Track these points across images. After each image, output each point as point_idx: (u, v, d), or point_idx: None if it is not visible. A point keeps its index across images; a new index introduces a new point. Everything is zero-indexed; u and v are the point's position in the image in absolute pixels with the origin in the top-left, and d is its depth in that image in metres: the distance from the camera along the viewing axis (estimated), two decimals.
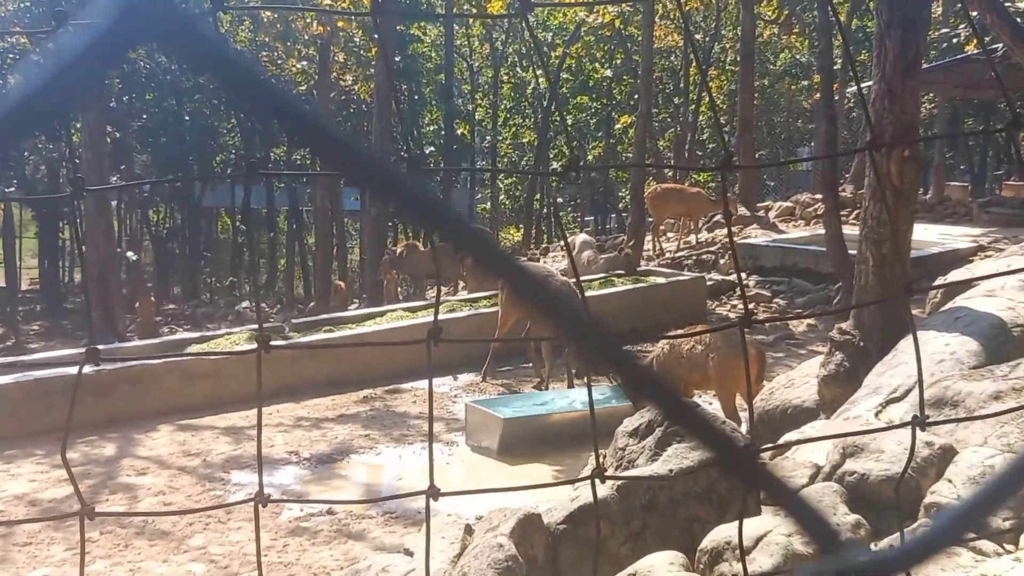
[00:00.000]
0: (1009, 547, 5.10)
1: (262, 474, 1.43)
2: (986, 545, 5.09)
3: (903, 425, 1.55)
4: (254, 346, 1.39)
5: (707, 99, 39.52)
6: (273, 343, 1.37)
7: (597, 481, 1.44)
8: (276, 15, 32.94)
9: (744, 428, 10.64)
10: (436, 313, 1.43)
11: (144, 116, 42.37)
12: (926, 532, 0.69)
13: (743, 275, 22.11)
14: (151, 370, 14.46)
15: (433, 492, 1.40)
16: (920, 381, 1.56)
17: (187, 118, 42.80)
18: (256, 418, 7.49)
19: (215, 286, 45.14)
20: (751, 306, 20.42)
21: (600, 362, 0.69)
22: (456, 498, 10.78)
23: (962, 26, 21.24)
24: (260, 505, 1.37)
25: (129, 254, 31.68)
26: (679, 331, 11.72)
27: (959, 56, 25.79)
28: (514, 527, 5.67)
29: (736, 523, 5.39)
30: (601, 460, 8.29)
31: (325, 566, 9.34)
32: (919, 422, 1.47)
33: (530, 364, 16.12)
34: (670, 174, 36.91)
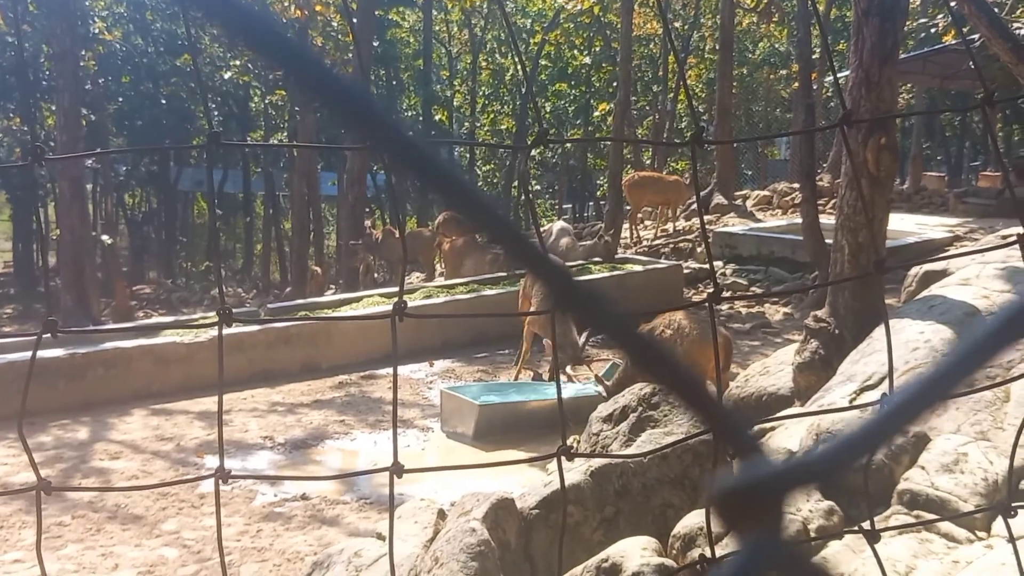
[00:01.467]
0: (981, 534, 5.11)
1: (222, 449, 1.40)
2: (958, 532, 5.10)
3: (873, 403, 1.54)
4: (218, 321, 1.36)
5: (683, 85, 39.57)
6: (236, 321, 1.35)
7: (570, 465, 1.42)
8: None
9: None
10: (401, 290, 1.41)
11: (120, 99, 42.14)
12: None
13: (719, 262, 22.15)
14: (124, 354, 14.39)
15: (397, 469, 1.37)
16: (891, 370, 1.54)
17: (163, 101, 42.57)
18: (230, 403, 7.49)
19: (191, 270, 44.95)
20: (727, 294, 20.46)
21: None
22: (430, 483, 10.78)
23: (940, 16, 21.26)
24: (221, 481, 1.34)
25: (104, 238, 31.49)
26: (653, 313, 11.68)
27: (937, 46, 25.85)
28: (487, 512, 5.66)
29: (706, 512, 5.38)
30: (574, 442, 8.29)
31: (299, 551, 9.31)
32: (884, 401, 1.45)
33: (506, 351, 16.11)
34: (648, 162, 36.92)
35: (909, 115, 23.96)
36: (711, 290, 1.50)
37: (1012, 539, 1.60)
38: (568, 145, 46.59)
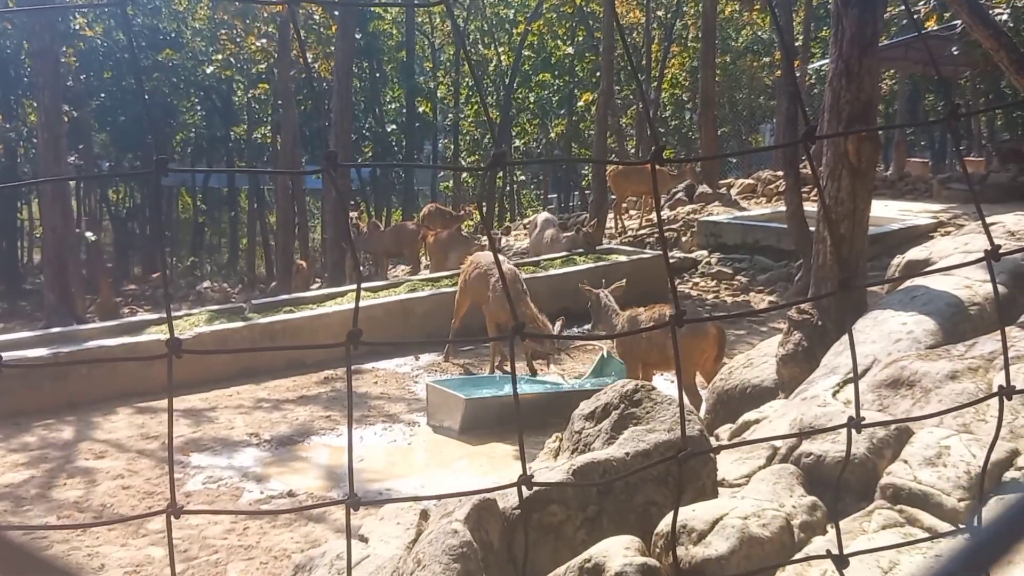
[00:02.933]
0: (963, 526, 5.10)
1: (173, 486, 1.38)
2: (942, 526, 5.09)
3: (839, 427, 1.52)
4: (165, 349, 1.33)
5: (664, 78, 39.56)
6: (186, 347, 1.32)
7: (552, 463, 1.40)
8: None
9: (703, 409, 10.67)
10: (356, 314, 1.38)
11: (102, 95, 41.98)
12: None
13: (704, 251, 22.16)
14: (109, 352, 14.34)
15: (354, 502, 1.35)
16: (856, 378, 1.52)
17: (146, 96, 42.41)
18: (215, 400, 7.47)
19: (175, 266, 44.83)
20: (712, 283, 20.49)
21: None
22: (413, 482, 10.78)
23: (921, 2, 21.27)
24: (173, 516, 1.32)
25: (88, 234, 31.38)
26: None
27: (919, 32, 25.86)
28: (469, 513, 5.64)
29: (692, 507, 5.37)
30: (557, 440, 8.26)
31: (285, 548, 9.30)
32: (854, 424, 1.44)
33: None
34: (632, 151, 36.90)
35: (885, 128, 23.93)
36: (703, 289, 1.48)
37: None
38: (552, 135, 46.59)
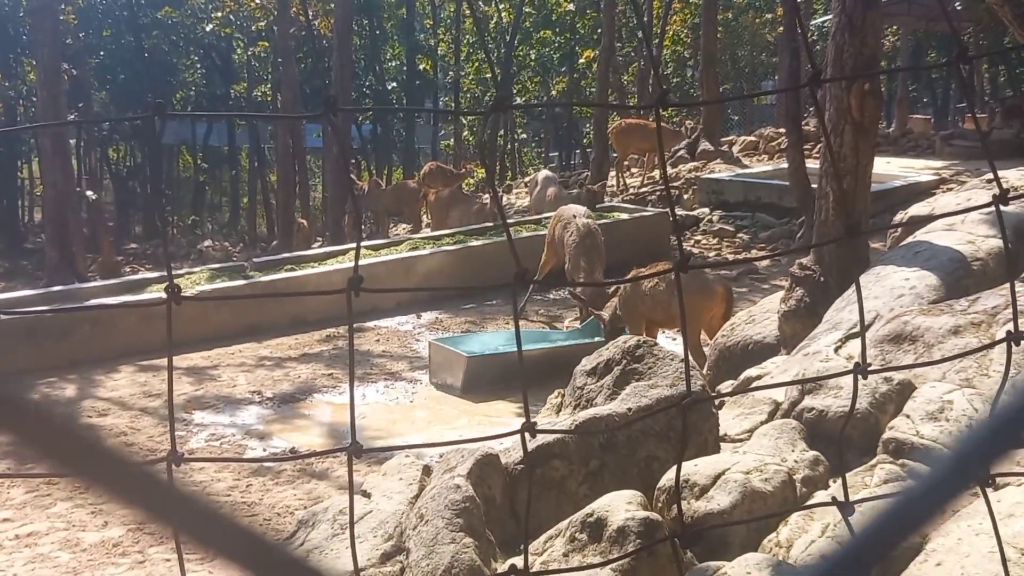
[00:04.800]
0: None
1: (174, 434, 1.37)
2: None
3: (845, 373, 1.51)
4: (164, 295, 1.32)
5: (666, 35, 39.36)
6: (186, 294, 1.30)
7: (555, 419, 1.39)
8: None
9: (705, 366, 10.66)
10: (356, 262, 1.36)
11: (101, 53, 41.79)
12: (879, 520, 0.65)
13: (706, 209, 22.11)
14: (110, 311, 14.34)
15: (356, 449, 1.34)
16: (862, 327, 1.51)
17: (146, 54, 42.24)
18: (218, 359, 7.47)
19: (177, 224, 44.76)
20: (714, 241, 20.45)
21: None
22: (415, 439, 10.80)
23: None
24: (173, 464, 1.31)
25: (89, 193, 31.32)
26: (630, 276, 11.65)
27: None
28: (471, 468, 5.65)
29: (694, 461, 5.38)
30: (559, 396, 8.27)
31: (288, 505, 9.33)
32: (861, 370, 1.43)
33: (494, 302, 16.16)
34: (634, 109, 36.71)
35: (891, 71, 23.81)
36: (705, 247, 1.46)
37: (991, 512, 1.57)
38: (553, 92, 46.39)
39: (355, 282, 1.32)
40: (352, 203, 25.49)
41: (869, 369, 1.43)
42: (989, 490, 1.53)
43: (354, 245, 19.31)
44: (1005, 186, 5.75)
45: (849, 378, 5.09)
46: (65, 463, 0.74)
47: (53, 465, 0.73)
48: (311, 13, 33.48)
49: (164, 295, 1.32)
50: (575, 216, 13.45)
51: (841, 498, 4.71)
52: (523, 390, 1.42)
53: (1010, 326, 5.59)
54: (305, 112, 35.70)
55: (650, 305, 11.42)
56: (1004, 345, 4.76)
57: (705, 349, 11.08)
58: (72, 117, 29.27)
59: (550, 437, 5.67)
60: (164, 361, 9.89)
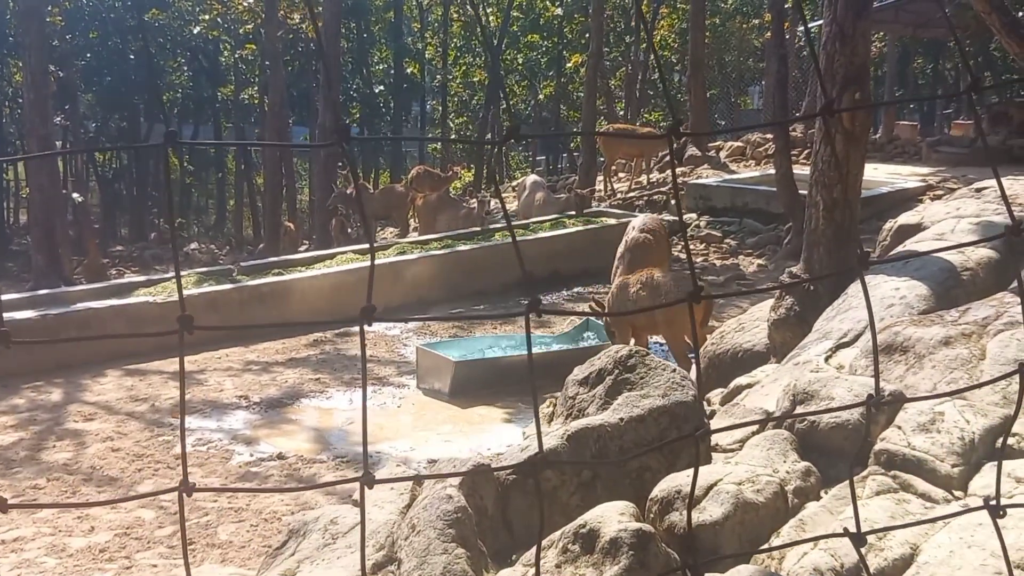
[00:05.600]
0: (958, 493, 5.12)
1: (186, 464, 1.35)
2: (935, 492, 5.10)
3: (859, 404, 1.50)
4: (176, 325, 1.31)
5: (662, 78, 39.38)
6: (198, 324, 1.29)
7: (546, 428, 1.38)
8: None
9: (693, 373, 10.66)
10: (370, 290, 1.35)
11: (88, 55, 41.66)
12: None
13: (694, 215, 22.12)
14: (98, 315, 14.31)
15: (368, 479, 1.33)
16: (875, 359, 1.50)
17: (132, 57, 42.11)
18: (204, 363, 7.46)
19: (162, 227, 44.61)
20: (701, 246, 20.47)
21: None
22: (402, 445, 10.80)
23: None
24: (185, 494, 1.29)
25: (75, 195, 31.18)
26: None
27: None
28: (463, 478, 5.64)
29: (686, 472, 5.38)
30: (551, 404, 8.26)
31: (276, 511, 9.31)
32: (874, 401, 1.42)
33: (482, 307, 16.15)
34: (622, 113, 36.77)
35: (904, 101, 23.81)
36: (691, 289, 1.45)
37: (1002, 539, 1.57)
38: (541, 97, 46.38)
39: (368, 311, 1.31)
40: (362, 218, 25.43)
41: (882, 401, 1.42)
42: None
43: (342, 249, 19.28)
44: (994, 195, 5.76)
45: (841, 390, 5.10)
46: None
47: None
48: (298, 17, 33.35)
49: (158, 311, 1.31)
50: (632, 227, 13.29)
51: (835, 511, 4.71)
52: (536, 414, 1.41)
53: (1004, 335, 5.59)
54: (292, 117, 35.67)
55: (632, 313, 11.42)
56: (994, 357, 4.75)
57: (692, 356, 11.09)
58: (59, 120, 29.14)
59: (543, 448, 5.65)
60: (151, 366, 9.97)
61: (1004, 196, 1.58)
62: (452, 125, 47.24)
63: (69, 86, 35.56)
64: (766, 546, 4.99)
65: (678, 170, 25.92)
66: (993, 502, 1.49)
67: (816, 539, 4.70)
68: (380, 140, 45.14)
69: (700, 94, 29.06)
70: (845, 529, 1.46)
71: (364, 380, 1.33)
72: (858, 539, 1.42)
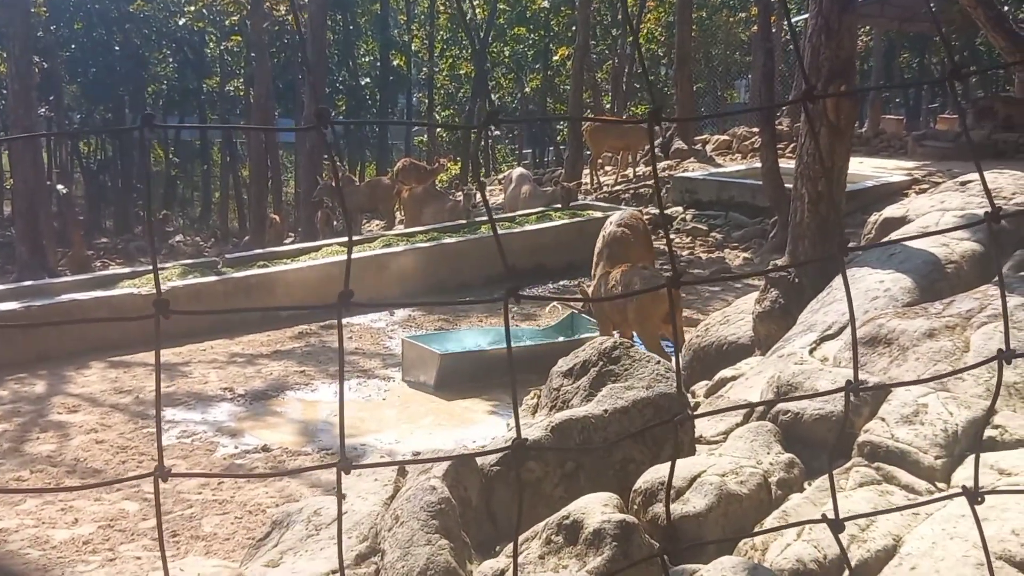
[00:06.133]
0: (941, 485, 5.13)
1: (161, 450, 1.35)
2: (918, 483, 5.11)
3: (839, 390, 1.50)
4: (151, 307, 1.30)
5: (640, 33, 39.40)
6: (175, 308, 1.29)
7: (530, 420, 1.37)
8: None
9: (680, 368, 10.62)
10: (347, 276, 1.35)
11: (73, 46, 41.51)
12: None
13: (680, 208, 22.13)
14: (82, 306, 14.26)
15: (345, 465, 1.32)
16: (855, 345, 1.50)
17: (117, 48, 41.97)
18: (189, 355, 7.44)
19: (147, 220, 44.38)
20: (687, 240, 20.48)
21: None
22: (387, 437, 10.79)
23: None
24: (161, 480, 1.29)
25: (59, 187, 31.11)
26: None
27: None
28: (447, 469, 5.63)
29: (670, 463, 5.38)
30: (535, 396, 8.27)
31: (260, 503, 9.29)
32: (852, 388, 1.42)
33: (467, 299, 16.14)
34: (608, 107, 36.77)
35: (885, 87, 23.87)
36: (677, 258, 1.45)
37: (980, 528, 1.57)
38: (527, 90, 46.37)
39: (346, 296, 1.30)
40: (343, 208, 25.41)
41: (861, 388, 1.42)
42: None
43: (327, 241, 19.28)
44: (979, 188, 5.77)
45: (825, 382, 5.11)
46: None
47: None
48: (285, 9, 33.28)
49: (142, 303, 1.30)
50: (610, 222, 13.23)
51: (819, 502, 4.72)
52: (514, 404, 1.41)
53: (988, 328, 5.61)
54: (278, 109, 35.62)
55: (610, 307, 11.40)
56: (978, 350, 4.77)
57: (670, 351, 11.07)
58: (43, 111, 29.06)
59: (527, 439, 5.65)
60: (135, 357, 9.93)
61: (985, 186, 1.58)
62: (438, 117, 47.23)
63: (54, 77, 35.46)
64: (753, 536, 4.99)
65: (663, 163, 25.96)
66: (971, 488, 1.49)
67: (796, 525, 4.71)
68: (362, 125, 44.84)
69: (687, 88, 29.08)
70: (824, 515, 1.46)
71: (341, 364, 1.32)
72: (836, 525, 1.43)
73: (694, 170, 24.80)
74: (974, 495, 1.47)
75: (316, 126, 1.32)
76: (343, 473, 1.35)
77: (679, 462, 5.40)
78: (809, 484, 5.50)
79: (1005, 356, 1.46)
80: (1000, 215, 1.48)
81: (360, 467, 1.29)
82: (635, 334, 11.97)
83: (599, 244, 12.35)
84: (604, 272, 11.69)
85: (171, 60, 47.22)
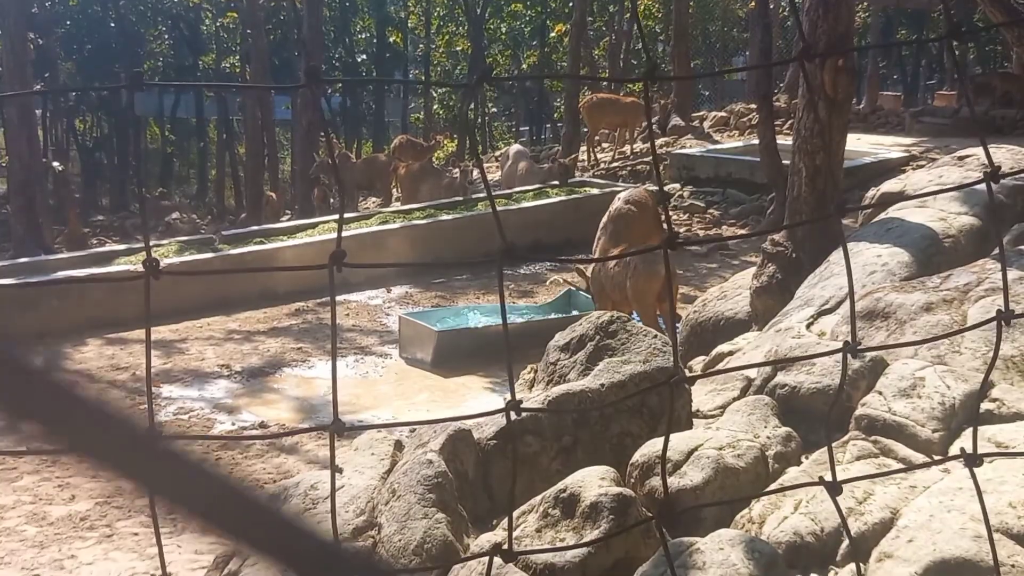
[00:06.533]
0: (938, 457, 5.13)
1: (152, 412, 1.33)
2: (915, 456, 5.11)
3: (835, 351, 1.49)
4: (141, 269, 1.28)
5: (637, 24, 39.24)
6: (163, 268, 1.27)
7: (527, 395, 1.36)
8: None
9: (678, 343, 10.62)
10: (339, 234, 1.33)
11: (68, 22, 41.36)
12: None
13: (677, 185, 22.10)
14: (78, 283, 14.23)
15: (338, 427, 1.31)
16: (852, 306, 1.49)
17: (112, 24, 41.81)
18: (186, 332, 7.42)
19: (149, 194, 44.36)
20: (684, 216, 20.46)
21: None
22: (384, 414, 10.79)
23: None
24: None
25: (55, 164, 31.03)
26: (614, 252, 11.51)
27: None
28: (444, 443, 5.63)
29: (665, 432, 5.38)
30: (532, 371, 8.26)
31: (258, 479, 9.29)
32: (850, 348, 1.40)
33: (464, 276, 16.12)
34: (604, 84, 36.66)
35: (883, 45, 23.83)
36: (674, 227, 1.43)
37: (979, 492, 1.56)
38: (524, 67, 46.23)
39: (338, 256, 1.29)
40: (334, 173, 25.36)
41: (859, 348, 1.41)
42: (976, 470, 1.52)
43: (324, 219, 19.26)
44: (976, 163, 5.75)
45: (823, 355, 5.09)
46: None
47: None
48: None
49: (141, 268, 1.28)
50: (618, 198, 13.09)
51: (816, 476, 4.71)
52: (508, 367, 1.39)
53: (986, 301, 5.60)
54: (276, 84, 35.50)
55: (611, 285, 11.38)
56: (983, 327, 4.76)
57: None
58: (39, 87, 28.96)
59: (521, 415, 5.64)
60: (132, 334, 9.92)
61: (985, 148, 1.57)
62: (435, 95, 47.05)
63: (49, 53, 35.33)
64: (751, 506, 5.00)
65: (660, 140, 25.90)
66: (971, 453, 1.48)
67: (795, 487, 4.71)
68: (348, 83, 44.70)
69: (684, 64, 28.98)
70: (821, 478, 1.45)
71: (333, 323, 1.31)
72: (834, 488, 1.42)
73: (692, 147, 24.74)
74: (973, 459, 1.46)
75: (308, 84, 1.30)
76: (336, 436, 1.33)
77: (676, 436, 5.40)
78: (806, 458, 5.50)
79: (1004, 317, 1.45)
80: (999, 175, 1.46)
81: (353, 429, 1.28)
82: (634, 312, 11.96)
83: (604, 219, 12.30)
84: (604, 249, 11.65)
85: (167, 37, 47.06)
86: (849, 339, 1.47)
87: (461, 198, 19.80)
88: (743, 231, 18.46)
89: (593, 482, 4.96)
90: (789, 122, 22.13)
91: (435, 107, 46.25)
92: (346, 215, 18.98)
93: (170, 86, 36.88)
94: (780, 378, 6.06)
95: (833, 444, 5.22)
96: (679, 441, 5.36)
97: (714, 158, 22.59)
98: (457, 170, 21.93)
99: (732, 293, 10.47)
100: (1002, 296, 1.67)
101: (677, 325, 11.01)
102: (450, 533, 5.13)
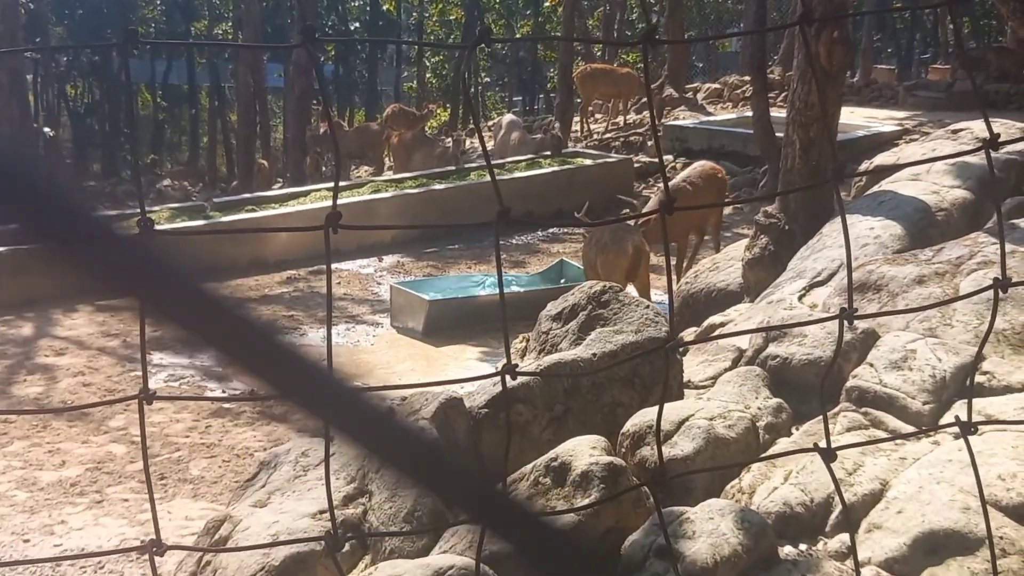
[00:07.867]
0: (930, 428, 5.14)
1: (146, 370, 1.33)
2: (906, 428, 5.13)
3: (831, 318, 1.48)
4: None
5: None
6: (159, 228, 1.26)
7: (518, 363, 1.36)
8: None
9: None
10: (335, 198, 1.32)
11: None
12: None
13: (670, 156, 22.07)
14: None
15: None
16: (849, 273, 1.48)
17: None
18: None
19: (141, 161, 44.19)
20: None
21: None
22: (378, 381, 10.75)
23: None
24: (144, 402, 1.27)
25: (46, 130, 30.91)
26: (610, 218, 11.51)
27: None
28: (435, 411, 5.63)
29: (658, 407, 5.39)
30: (524, 340, 8.26)
31: (248, 447, 9.31)
32: (847, 315, 1.40)
33: (456, 246, 16.11)
34: (599, 54, 36.56)
35: (872, 12, 23.74)
36: (663, 199, 1.42)
37: (973, 460, 1.56)
38: (518, 36, 46.06)
39: (333, 218, 1.28)
40: (332, 137, 25.28)
41: (856, 315, 1.40)
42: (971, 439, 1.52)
43: (316, 187, 19.20)
44: (969, 137, 5.75)
45: (814, 327, 5.10)
46: None
47: None
48: None
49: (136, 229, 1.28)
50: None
51: (807, 444, 4.72)
52: (504, 331, 1.39)
53: (978, 274, 5.60)
54: (267, 53, 35.35)
55: (592, 257, 11.33)
56: (975, 300, 4.75)
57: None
58: (29, 54, 28.84)
59: (514, 382, 5.64)
60: (122, 302, 9.82)
61: (984, 114, 1.56)
62: (428, 64, 46.88)
63: (40, 18, 35.14)
64: (741, 475, 5.01)
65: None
66: (965, 421, 1.48)
67: (787, 454, 4.73)
68: (343, 42, 44.53)
69: (679, 34, 28.88)
70: (815, 444, 1.45)
71: (329, 287, 1.30)
72: (827, 454, 1.42)
73: (685, 118, 24.69)
74: (968, 427, 1.46)
75: (303, 44, 1.29)
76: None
77: (667, 406, 5.41)
78: (796, 429, 5.51)
79: (1000, 285, 1.45)
80: (998, 141, 1.45)
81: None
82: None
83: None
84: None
85: (159, 2, 46.81)
86: (845, 308, 1.47)
87: (453, 168, 19.76)
88: (736, 216, 18.44)
89: (584, 451, 4.97)
90: (783, 94, 22.11)
91: (428, 76, 46.07)
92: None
93: (165, 44, 36.60)
94: (771, 349, 6.07)
95: (824, 392, 5.26)
96: (670, 411, 5.37)
97: (707, 130, 22.57)
98: (450, 140, 21.87)
99: (724, 265, 10.48)
100: (995, 268, 1.67)
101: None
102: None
